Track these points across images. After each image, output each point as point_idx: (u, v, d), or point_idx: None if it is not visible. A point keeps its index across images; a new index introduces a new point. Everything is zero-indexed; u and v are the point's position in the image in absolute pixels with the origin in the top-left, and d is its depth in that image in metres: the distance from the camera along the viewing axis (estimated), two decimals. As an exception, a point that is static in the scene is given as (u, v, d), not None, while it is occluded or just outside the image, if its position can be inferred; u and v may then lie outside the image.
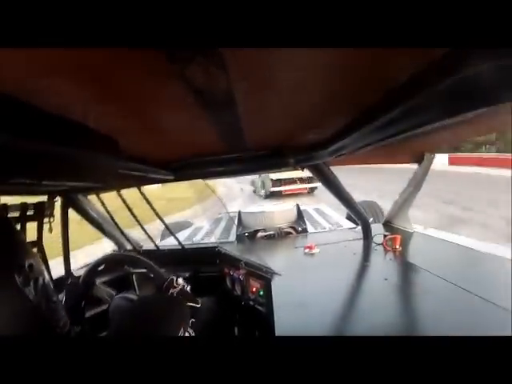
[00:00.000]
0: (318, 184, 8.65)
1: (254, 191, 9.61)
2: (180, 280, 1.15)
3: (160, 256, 1.76)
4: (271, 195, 8.77)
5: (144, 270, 1.42)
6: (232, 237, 2.14)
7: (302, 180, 9.30)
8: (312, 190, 9.58)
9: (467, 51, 0.33)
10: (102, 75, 0.40)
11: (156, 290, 1.16)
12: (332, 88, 0.55)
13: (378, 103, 0.59)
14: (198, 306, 1.16)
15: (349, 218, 2.65)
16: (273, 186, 9.14)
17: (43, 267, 0.65)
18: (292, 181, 9.32)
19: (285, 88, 0.52)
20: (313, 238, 1.94)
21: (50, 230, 1.29)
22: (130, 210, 1.69)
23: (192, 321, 1.01)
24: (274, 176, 8.88)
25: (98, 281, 1.34)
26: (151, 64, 0.36)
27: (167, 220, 2.12)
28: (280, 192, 9.20)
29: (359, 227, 1.79)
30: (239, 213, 2.28)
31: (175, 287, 1.13)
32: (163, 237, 2.80)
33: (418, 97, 0.46)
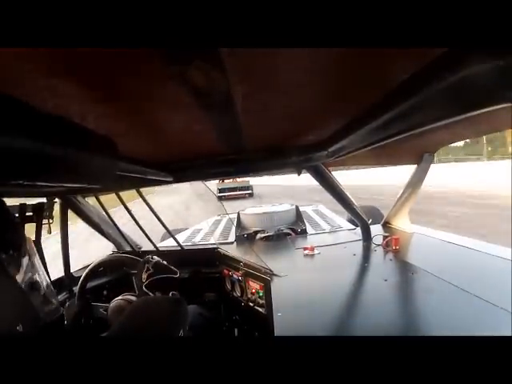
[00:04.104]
0: (250, 191, 13.82)
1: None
2: (155, 257, 1.30)
3: (159, 257, 1.75)
4: (219, 198, 11.60)
5: None
6: (231, 238, 2.14)
7: (240, 189, 13.58)
8: (250, 195, 13.73)
9: (466, 51, 0.33)
10: (101, 76, 0.40)
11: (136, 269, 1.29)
12: (331, 89, 0.55)
13: (377, 104, 0.59)
14: (177, 275, 1.26)
15: (351, 220, 2.65)
16: (219, 193, 12.37)
17: (34, 251, 0.65)
18: (233, 189, 13.42)
19: (284, 89, 0.52)
20: (312, 239, 1.94)
21: (49, 231, 1.29)
22: (129, 211, 1.69)
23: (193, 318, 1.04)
24: (220, 186, 13.11)
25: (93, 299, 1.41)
26: (150, 65, 0.36)
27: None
28: (224, 196, 12.62)
29: (358, 228, 1.79)
30: (238, 214, 2.28)
31: (150, 262, 1.24)
32: (163, 238, 2.79)
33: (417, 97, 0.46)
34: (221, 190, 12.95)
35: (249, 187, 13.91)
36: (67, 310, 1.31)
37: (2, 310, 0.56)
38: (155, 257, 1.31)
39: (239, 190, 13.56)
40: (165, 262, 1.35)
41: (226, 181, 13.01)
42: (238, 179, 13.08)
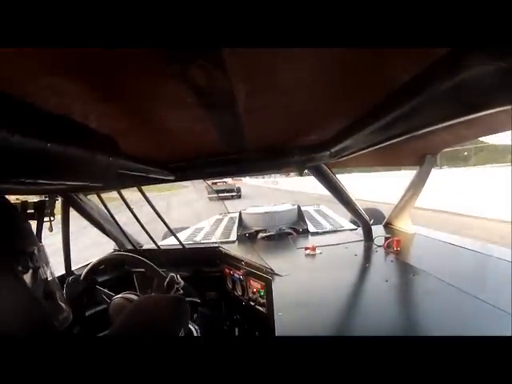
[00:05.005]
0: (239, 193, 16.00)
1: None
2: (179, 278, 1.23)
3: (161, 255, 1.75)
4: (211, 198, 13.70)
5: (143, 270, 1.43)
6: (233, 237, 2.14)
7: (229, 191, 15.27)
8: (238, 196, 15.71)
9: (470, 53, 0.32)
10: (103, 75, 0.40)
11: (158, 289, 1.22)
12: (333, 89, 0.55)
13: (380, 105, 0.59)
14: (199, 301, 1.22)
15: (353, 221, 2.64)
16: (209, 195, 13.56)
17: (47, 257, 0.65)
18: (222, 191, 14.58)
19: (286, 89, 0.52)
20: (314, 239, 1.93)
21: (51, 228, 1.29)
22: (130, 209, 1.69)
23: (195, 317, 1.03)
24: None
25: (98, 282, 1.39)
26: (153, 64, 0.36)
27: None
28: (216, 197, 14.18)
29: (360, 229, 1.79)
30: (240, 213, 2.27)
31: (178, 283, 1.21)
32: (165, 237, 2.80)
33: (420, 98, 0.46)
34: (210, 193, 14.91)
35: (236, 189, 16.03)
36: (69, 287, 1.30)
37: (20, 321, 0.56)
38: (179, 278, 1.30)
39: (227, 192, 15.22)
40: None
41: (217, 183, 14.42)
42: (228, 181, 14.81)
